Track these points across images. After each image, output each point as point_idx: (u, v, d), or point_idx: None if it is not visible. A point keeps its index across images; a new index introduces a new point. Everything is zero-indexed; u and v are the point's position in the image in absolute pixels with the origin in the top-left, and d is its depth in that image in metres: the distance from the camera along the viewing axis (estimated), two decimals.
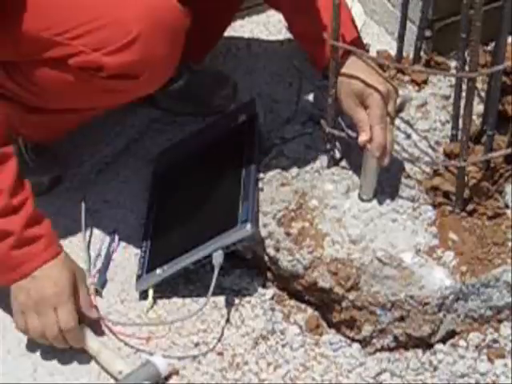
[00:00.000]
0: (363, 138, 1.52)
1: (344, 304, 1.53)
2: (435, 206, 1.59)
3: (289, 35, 1.93)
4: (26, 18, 1.45)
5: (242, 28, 2.09)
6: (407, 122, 1.71)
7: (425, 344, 1.53)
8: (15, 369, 1.52)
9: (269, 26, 2.09)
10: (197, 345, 1.56)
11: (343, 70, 1.54)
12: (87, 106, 1.60)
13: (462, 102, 1.53)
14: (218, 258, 1.55)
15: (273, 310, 1.59)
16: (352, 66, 1.55)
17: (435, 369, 1.52)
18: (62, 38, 1.45)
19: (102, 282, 1.63)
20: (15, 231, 1.46)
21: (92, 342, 1.52)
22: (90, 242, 1.69)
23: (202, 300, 1.59)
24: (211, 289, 1.52)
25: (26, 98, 1.58)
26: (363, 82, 1.53)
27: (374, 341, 1.54)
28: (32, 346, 1.54)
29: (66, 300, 1.49)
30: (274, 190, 1.63)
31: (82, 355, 1.54)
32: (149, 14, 1.42)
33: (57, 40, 1.45)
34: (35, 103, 1.59)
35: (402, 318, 1.51)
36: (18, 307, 1.50)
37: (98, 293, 1.61)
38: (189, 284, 1.63)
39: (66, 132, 1.73)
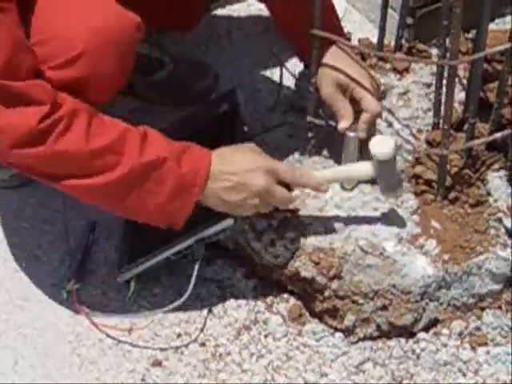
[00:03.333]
0: (344, 124, 1.52)
1: (326, 293, 1.53)
2: (417, 194, 1.59)
3: (270, 24, 1.92)
4: None
5: (223, 17, 2.08)
6: (389, 110, 1.70)
7: (408, 333, 1.53)
8: None
9: (250, 14, 2.07)
10: (179, 336, 1.55)
11: (325, 60, 1.53)
12: None
13: (444, 90, 1.52)
14: (199, 249, 1.54)
15: (255, 300, 1.59)
16: (334, 55, 1.54)
17: (418, 357, 1.52)
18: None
19: (82, 273, 1.62)
20: (168, 153, 1.40)
21: (320, 174, 1.50)
22: (69, 233, 1.68)
23: (184, 291, 1.58)
24: (193, 279, 1.52)
25: None
26: (346, 73, 1.52)
27: (357, 330, 1.53)
28: (12, 338, 1.53)
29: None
30: None
31: (64, 347, 1.54)
32: (96, 31, 1.41)
33: None
34: None
35: (384, 307, 1.51)
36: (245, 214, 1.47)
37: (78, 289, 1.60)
38: (170, 275, 1.62)
39: None
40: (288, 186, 1.47)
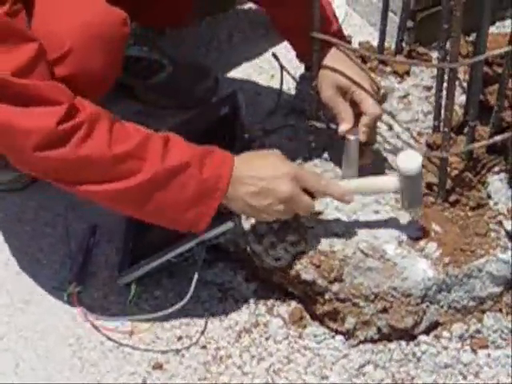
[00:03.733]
0: (344, 127, 1.52)
1: (327, 296, 1.53)
2: None
3: (271, 27, 1.92)
4: None
5: (223, 20, 2.08)
6: (390, 113, 1.71)
7: (408, 335, 1.53)
8: None
9: (250, 17, 2.08)
10: (180, 338, 1.56)
11: (325, 62, 1.54)
12: None
13: (444, 93, 1.53)
14: (200, 252, 1.55)
15: (256, 302, 1.59)
16: (334, 57, 1.54)
17: (419, 360, 1.52)
18: None
19: (83, 276, 1.62)
20: (190, 158, 1.39)
21: (345, 184, 1.49)
22: (70, 236, 1.68)
23: (184, 293, 1.58)
24: (194, 282, 1.52)
25: None
26: (346, 76, 1.52)
27: (358, 333, 1.54)
28: (14, 340, 1.54)
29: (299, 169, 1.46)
30: None
31: (65, 349, 1.54)
32: (83, 28, 1.42)
33: None
34: None
35: (385, 310, 1.51)
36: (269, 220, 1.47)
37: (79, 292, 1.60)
38: (171, 277, 1.62)
39: None
40: (311, 193, 1.47)
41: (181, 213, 1.42)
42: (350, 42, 1.78)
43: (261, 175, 1.42)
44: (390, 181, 1.49)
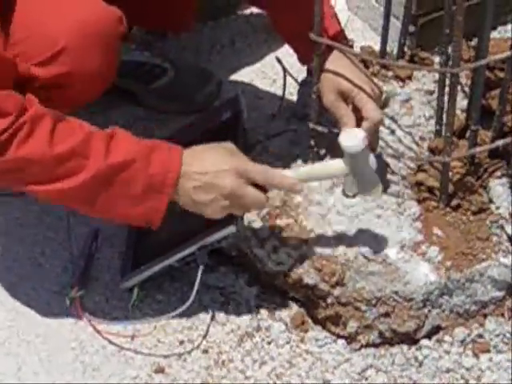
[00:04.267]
0: None
1: (329, 300, 1.53)
2: (420, 201, 1.59)
3: (273, 32, 1.93)
4: None
5: (226, 25, 2.09)
6: (391, 118, 1.71)
7: (410, 339, 1.53)
8: None
9: (253, 22, 2.08)
10: (182, 342, 1.56)
11: (327, 66, 1.54)
12: None
13: (446, 98, 1.53)
14: (202, 256, 1.55)
15: (258, 307, 1.59)
16: (336, 62, 1.55)
17: (421, 364, 1.52)
18: None
19: (85, 281, 1.62)
20: (135, 154, 1.38)
21: (294, 174, 1.45)
22: (72, 240, 1.68)
23: (187, 298, 1.58)
24: (196, 286, 1.52)
25: None
26: (348, 80, 1.52)
27: (360, 337, 1.54)
28: (16, 344, 1.54)
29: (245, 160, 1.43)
30: None
31: (67, 354, 1.54)
32: (77, 25, 1.43)
33: None
34: None
35: (387, 314, 1.51)
36: (213, 206, 1.42)
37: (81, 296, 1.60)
38: (174, 282, 1.62)
39: None
40: (262, 187, 1.43)
41: (130, 209, 1.40)
42: (352, 47, 1.78)
43: (205, 170, 1.40)
44: (337, 163, 1.44)
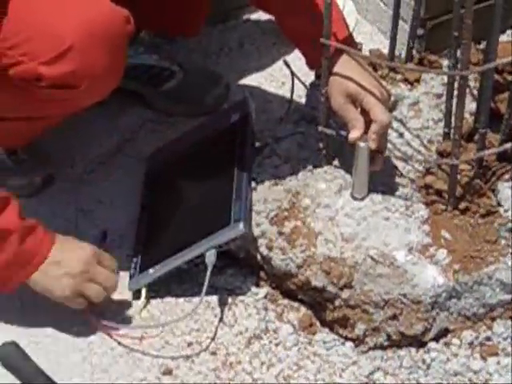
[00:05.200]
0: (354, 134, 1.52)
1: (337, 303, 1.53)
2: (428, 204, 1.59)
3: (281, 34, 1.93)
4: None
5: (234, 27, 2.09)
6: (400, 121, 1.71)
7: (418, 342, 1.53)
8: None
9: (261, 24, 2.09)
10: (190, 344, 1.56)
11: (335, 69, 1.54)
12: (37, 115, 1.60)
13: (455, 101, 1.53)
14: (210, 257, 1.55)
15: (266, 309, 1.59)
16: (344, 65, 1.55)
17: (428, 367, 1.52)
18: (0, 47, 1.45)
19: None
20: (14, 227, 1.47)
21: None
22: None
23: (195, 299, 1.59)
24: (204, 288, 1.52)
25: None
26: (357, 83, 1.53)
27: (367, 339, 1.54)
28: (24, 345, 1.54)
29: (98, 257, 1.54)
30: (267, 189, 1.62)
31: (75, 355, 1.54)
32: (84, 24, 1.43)
33: None
34: None
35: (394, 317, 1.51)
36: (65, 294, 1.52)
37: None
38: (182, 283, 1.63)
39: (32, 139, 1.72)
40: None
41: None
42: (360, 50, 1.78)
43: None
44: None
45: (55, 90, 1.46)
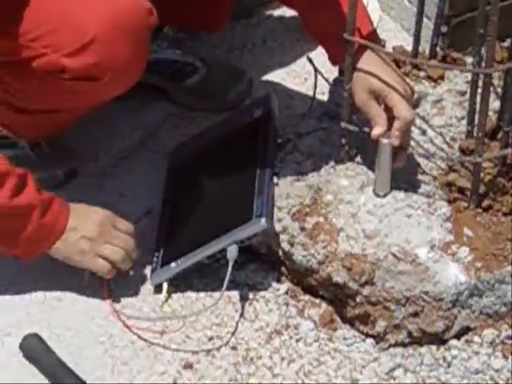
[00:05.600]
0: (377, 131, 1.52)
1: (358, 299, 1.53)
2: (450, 201, 1.59)
3: (305, 31, 1.93)
4: None
5: (257, 23, 2.09)
6: (423, 118, 1.71)
7: (439, 340, 1.53)
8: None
9: (285, 21, 2.08)
10: (211, 339, 1.56)
11: (359, 65, 1.54)
12: (61, 108, 1.61)
13: (478, 98, 1.52)
14: (232, 253, 1.55)
15: (287, 304, 1.60)
16: (368, 61, 1.54)
17: (449, 365, 1.52)
18: (23, 39, 1.46)
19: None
20: (36, 202, 1.51)
21: None
22: None
23: (216, 294, 1.59)
24: (225, 283, 1.52)
25: (9, 99, 1.59)
26: (380, 79, 1.52)
27: (388, 336, 1.54)
28: (46, 337, 1.55)
29: (115, 222, 1.59)
30: (289, 184, 1.63)
31: (97, 347, 1.55)
32: (107, 16, 1.43)
33: (19, 42, 1.46)
34: (17, 104, 1.60)
35: (416, 314, 1.51)
36: (85, 254, 1.55)
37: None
38: (203, 278, 1.63)
39: (58, 131, 1.73)
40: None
41: (13, 246, 1.54)
42: (384, 47, 1.78)
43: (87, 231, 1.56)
44: None
45: (78, 82, 1.46)
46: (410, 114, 1.53)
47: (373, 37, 1.57)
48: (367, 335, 1.55)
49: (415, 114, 1.64)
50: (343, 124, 1.60)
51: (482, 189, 1.57)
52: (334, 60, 1.63)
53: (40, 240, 1.54)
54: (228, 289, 1.54)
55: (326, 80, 1.77)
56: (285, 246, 1.58)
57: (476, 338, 1.53)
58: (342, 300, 1.56)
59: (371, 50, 1.54)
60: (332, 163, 1.64)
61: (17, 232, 1.51)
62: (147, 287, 1.63)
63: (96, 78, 1.46)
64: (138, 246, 1.60)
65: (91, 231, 1.55)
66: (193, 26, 1.92)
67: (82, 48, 1.44)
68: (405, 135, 1.54)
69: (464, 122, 1.66)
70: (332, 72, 1.78)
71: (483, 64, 1.48)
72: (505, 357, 1.51)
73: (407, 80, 1.63)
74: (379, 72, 1.53)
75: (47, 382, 1.51)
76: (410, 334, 1.53)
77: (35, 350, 1.53)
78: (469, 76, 1.68)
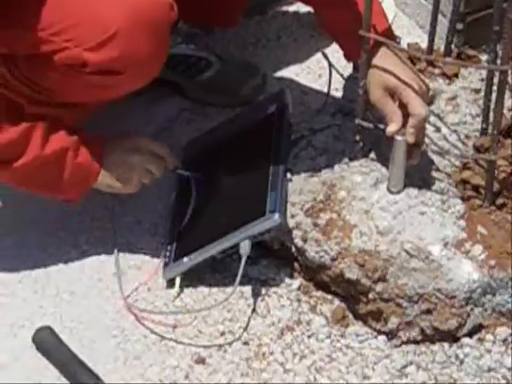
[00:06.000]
0: (392, 128, 1.52)
1: (371, 296, 1.53)
2: (464, 199, 1.58)
3: (319, 27, 1.93)
4: (12, 14, 1.46)
5: (272, 19, 2.09)
6: (437, 115, 1.70)
7: (451, 337, 1.53)
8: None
9: (299, 17, 2.08)
10: (223, 334, 1.56)
11: (374, 62, 1.54)
12: (80, 102, 1.62)
13: (493, 96, 1.52)
14: (245, 248, 1.55)
15: (299, 300, 1.60)
16: (383, 57, 1.54)
17: (461, 362, 1.51)
18: (45, 33, 1.46)
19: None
20: (68, 144, 1.55)
21: None
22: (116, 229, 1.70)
23: (228, 289, 1.59)
24: (238, 278, 1.52)
25: (29, 93, 1.60)
26: (395, 76, 1.52)
27: (401, 333, 1.53)
28: (59, 331, 1.55)
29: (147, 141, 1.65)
30: (303, 180, 1.63)
31: (109, 341, 1.55)
32: (129, 11, 1.43)
33: (40, 36, 1.47)
34: (36, 97, 1.61)
35: (428, 311, 1.51)
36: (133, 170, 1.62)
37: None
38: (215, 273, 1.63)
39: (75, 124, 1.73)
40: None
41: (59, 187, 1.59)
42: (399, 43, 1.77)
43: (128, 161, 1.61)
44: None
45: (99, 76, 1.47)
46: (424, 111, 1.52)
47: (388, 34, 1.57)
48: (379, 332, 1.55)
49: (430, 111, 1.63)
50: (357, 120, 1.60)
51: (496, 187, 1.56)
52: (349, 57, 1.63)
53: (81, 180, 1.59)
54: (240, 284, 1.54)
55: (341, 75, 1.77)
56: (298, 241, 1.58)
57: (488, 336, 1.53)
58: (354, 296, 1.56)
59: (386, 46, 1.54)
60: (346, 159, 1.64)
61: (56, 179, 1.56)
62: (160, 282, 1.63)
63: (117, 72, 1.47)
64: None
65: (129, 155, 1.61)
66: (207, 22, 1.92)
67: (104, 42, 1.44)
68: (419, 132, 1.54)
69: (478, 119, 1.66)
70: (346, 68, 1.78)
71: (498, 61, 1.48)
72: None
73: (422, 77, 1.63)
74: (394, 69, 1.53)
75: (59, 374, 1.51)
76: (422, 331, 1.52)
77: (48, 342, 1.53)
78: (483, 73, 1.67)
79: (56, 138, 1.55)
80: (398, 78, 1.52)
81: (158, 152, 1.65)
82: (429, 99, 1.64)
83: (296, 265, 1.62)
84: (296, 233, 1.58)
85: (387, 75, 1.53)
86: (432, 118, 1.69)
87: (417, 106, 1.52)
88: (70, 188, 1.59)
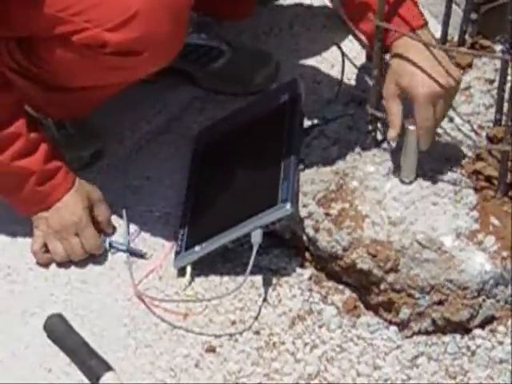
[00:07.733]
0: (391, 134, 1.51)
1: (382, 286, 1.52)
2: (477, 190, 1.58)
3: (332, 18, 1.93)
4: None
5: (285, 8, 2.08)
6: (450, 106, 1.69)
7: (463, 329, 1.52)
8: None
9: (312, 6, 2.07)
10: (234, 323, 1.56)
11: (399, 50, 1.49)
12: (99, 84, 1.61)
13: (507, 86, 1.51)
14: (256, 237, 1.55)
15: (310, 290, 1.59)
16: (408, 46, 1.49)
17: (473, 354, 1.51)
18: (64, 14, 1.46)
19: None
20: (37, 169, 1.57)
21: None
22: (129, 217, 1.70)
23: (239, 278, 1.59)
24: (249, 267, 1.52)
25: (44, 77, 1.60)
26: (420, 68, 1.47)
27: (412, 324, 1.53)
28: (70, 319, 1.55)
29: (85, 225, 1.61)
30: (315, 170, 1.62)
31: (120, 329, 1.55)
32: None
33: (59, 16, 1.46)
34: (52, 81, 1.61)
35: (440, 302, 1.50)
36: (38, 235, 1.63)
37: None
38: (227, 262, 1.63)
39: (90, 110, 1.73)
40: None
41: (12, 201, 1.63)
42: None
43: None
44: None
45: (118, 57, 1.46)
46: (427, 123, 1.49)
47: (416, 20, 1.51)
48: (391, 322, 1.55)
49: (448, 109, 1.58)
50: (370, 110, 1.60)
51: (509, 178, 1.56)
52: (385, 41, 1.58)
53: (32, 204, 1.61)
54: (252, 273, 1.54)
55: (354, 65, 1.76)
56: (309, 231, 1.57)
57: (500, 328, 1.52)
58: (365, 287, 1.55)
59: (411, 37, 1.50)
60: (358, 149, 1.63)
61: (14, 190, 1.59)
62: (171, 270, 1.63)
63: (136, 52, 1.46)
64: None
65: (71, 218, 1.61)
66: (219, 15, 1.91)
67: (125, 22, 1.43)
68: (428, 133, 1.52)
69: (492, 110, 1.65)
70: (359, 58, 1.78)
71: None
72: None
73: (453, 68, 1.53)
74: (420, 60, 1.48)
75: (70, 361, 1.51)
76: (434, 322, 1.52)
77: (59, 330, 1.54)
78: (497, 64, 1.66)
79: (30, 158, 1.56)
80: (414, 79, 1.48)
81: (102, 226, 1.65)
82: (454, 92, 1.58)
83: (307, 254, 1.62)
84: (308, 222, 1.58)
85: (403, 73, 1.48)
86: None
87: (420, 118, 1.49)
88: (22, 205, 1.63)
